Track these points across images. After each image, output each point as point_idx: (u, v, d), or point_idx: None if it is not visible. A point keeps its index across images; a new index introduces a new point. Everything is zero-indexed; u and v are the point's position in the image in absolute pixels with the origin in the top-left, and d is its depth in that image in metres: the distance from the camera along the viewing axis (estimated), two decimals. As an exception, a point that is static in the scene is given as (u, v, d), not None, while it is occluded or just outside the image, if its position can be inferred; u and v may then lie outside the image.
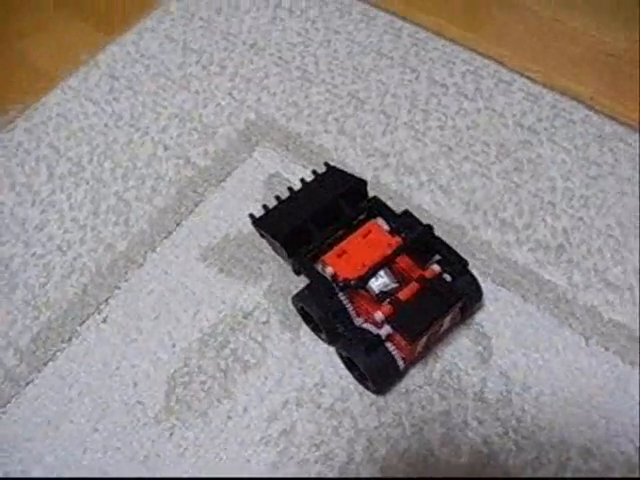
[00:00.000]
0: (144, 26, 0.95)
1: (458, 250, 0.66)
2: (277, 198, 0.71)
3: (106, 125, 0.85)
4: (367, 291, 0.62)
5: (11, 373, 0.68)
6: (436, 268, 0.63)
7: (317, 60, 0.89)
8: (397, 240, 0.65)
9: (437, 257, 0.66)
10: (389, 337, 0.61)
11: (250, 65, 0.89)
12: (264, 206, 0.71)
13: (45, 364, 0.69)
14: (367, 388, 0.64)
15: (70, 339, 0.70)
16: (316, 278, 0.64)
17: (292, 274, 0.70)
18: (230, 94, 0.86)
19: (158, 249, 0.74)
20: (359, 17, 0.94)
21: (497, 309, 0.70)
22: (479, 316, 0.69)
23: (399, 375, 0.64)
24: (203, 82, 0.88)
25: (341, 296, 0.62)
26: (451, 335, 0.67)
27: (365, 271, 0.62)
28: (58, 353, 0.69)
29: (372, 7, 0.95)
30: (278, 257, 0.72)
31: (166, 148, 0.82)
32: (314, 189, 0.70)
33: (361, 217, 0.68)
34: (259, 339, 0.68)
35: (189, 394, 0.66)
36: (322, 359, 0.66)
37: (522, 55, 0.91)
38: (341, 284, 0.62)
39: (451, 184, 0.78)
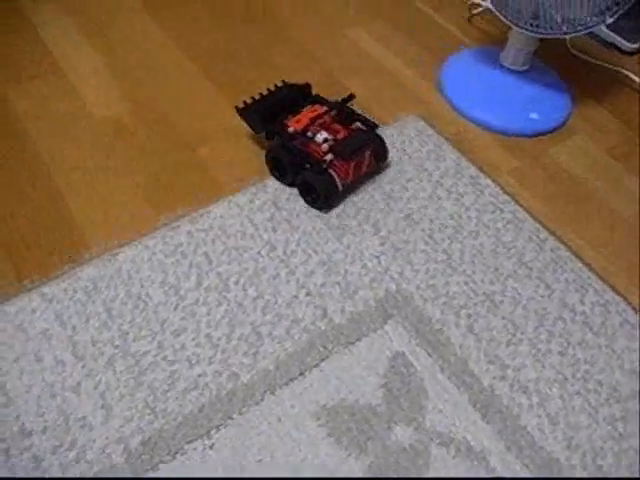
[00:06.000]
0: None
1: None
2: (252, 98, 1.04)
3: (259, 252, 0.91)
4: (315, 142, 0.97)
5: (114, 470, 0.72)
6: (358, 124, 1.02)
7: (463, 249, 0.94)
8: (330, 112, 1.02)
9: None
10: (331, 163, 0.95)
11: (402, 234, 0.95)
12: (244, 102, 1.04)
13: (146, 471, 0.72)
14: (318, 206, 0.98)
15: (175, 454, 0.73)
16: (284, 135, 0.99)
17: (396, 459, 0.74)
18: (378, 258, 0.92)
19: (277, 392, 0.78)
20: (509, 216, 0.99)
21: None
22: None
23: (338, 193, 0.98)
24: (356, 237, 0.94)
25: (298, 144, 0.98)
26: None
27: (308, 125, 0.99)
28: (161, 465, 0.73)
29: (522, 209, 1.01)
30: (382, 431, 0.76)
31: (308, 293, 0.87)
32: (277, 91, 1.07)
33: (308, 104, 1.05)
34: (348, 516, 0.71)
35: None
36: None
37: (650, 300, 0.94)
38: (297, 135, 0.99)
39: (559, 415, 0.81)
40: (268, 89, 1.06)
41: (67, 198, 0.96)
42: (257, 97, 1.04)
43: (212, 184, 0.99)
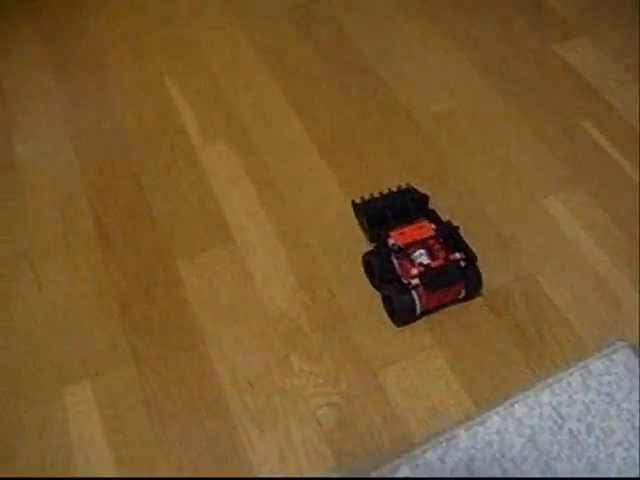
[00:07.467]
0: (510, 413, 0.91)
1: None
2: (371, 195, 1.11)
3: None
4: (411, 260, 1.00)
5: None
6: (457, 256, 1.01)
7: None
8: (436, 234, 1.03)
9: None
10: (415, 287, 0.97)
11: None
12: (362, 198, 1.11)
13: None
14: (392, 320, 1.00)
15: None
16: (382, 244, 1.02)
17: None
18: None
19: None
20: None
21: None
22: None
23: (415, 316, 0.99)
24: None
25: (393, 257, 1.01)
26: None
27: (411, 242, 1.01)
28: None
29: None
30: None
31: None
32: (394, 195, 1.11)
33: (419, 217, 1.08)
34: None
35: None
36: None
37: None
38: (395, 249, 1.00)
39: None
40: (389, 189, 1.12)
41: (238, 424, 0.90)
42: (376, 195, 1.11)
43: (395, 422, 0.90)
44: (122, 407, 0.92)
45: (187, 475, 0.87)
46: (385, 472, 0.86)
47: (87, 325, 1.00)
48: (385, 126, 1.27)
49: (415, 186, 1.13)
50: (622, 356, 0.97)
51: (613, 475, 0.86)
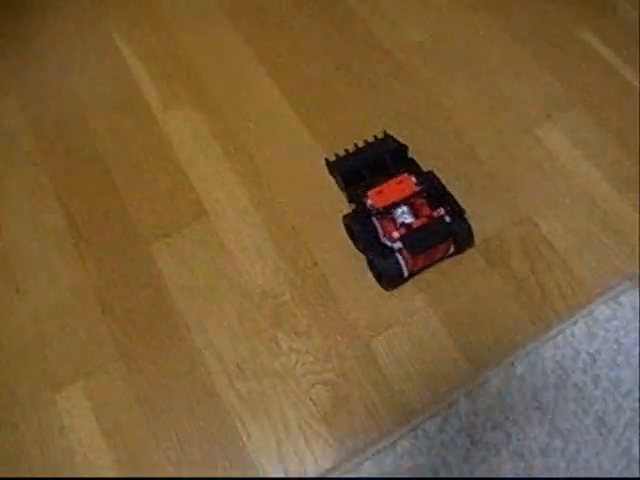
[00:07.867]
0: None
1: None
2: (346, 151, 1.02)
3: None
4: (392, 219, 0.93)
5: None
6: (441, 211, 0.93)
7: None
8: (418, 188, 0.94)
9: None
10: (400, 251, 0.91)
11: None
12: (336, 155, 1.02)
13: None
14: (380, 285, 0.94)
15: None
16: (360, 206, 0.95)
17: None
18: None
19: None
20: None
21: None
22: None
23: (402, 279, 0.93)
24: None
25: (374, 219, 0.93)
26: None
27: (390, 203, 0.93)
28: None
29: None
30: None
31: None
32: (371, 147, 1.02)
33: (399, 170, 0.98)
34: None
35: None
36: None
37: None
38: (374, 211, 0.93)
39: None
40: (365, 141, 1.03)
41: (231, 412, 0.87)
42: (351, 150, 1.02)
43: (391, 393, 0.86)
44: (116, 407, 0.90)
45: (186, 470, 0.86)
46: (384, 446, 0.84)
47: (70, 325, 0.96)
48: (359, 64, 1.16)
49: (396, 129, 1.04)
50: (629, 297, 0.91)
51: (621, 428, 0.83)
